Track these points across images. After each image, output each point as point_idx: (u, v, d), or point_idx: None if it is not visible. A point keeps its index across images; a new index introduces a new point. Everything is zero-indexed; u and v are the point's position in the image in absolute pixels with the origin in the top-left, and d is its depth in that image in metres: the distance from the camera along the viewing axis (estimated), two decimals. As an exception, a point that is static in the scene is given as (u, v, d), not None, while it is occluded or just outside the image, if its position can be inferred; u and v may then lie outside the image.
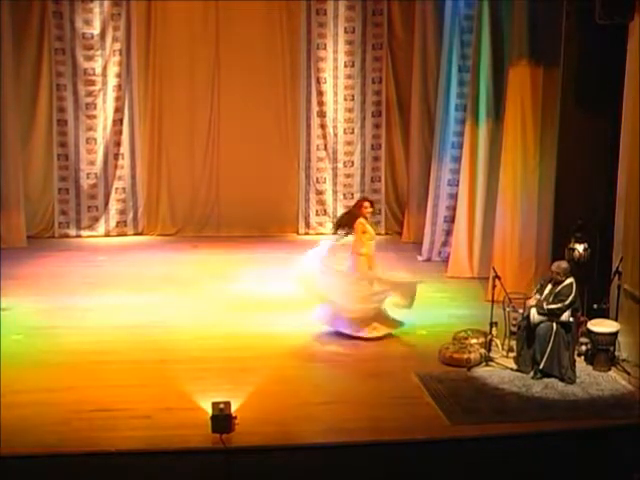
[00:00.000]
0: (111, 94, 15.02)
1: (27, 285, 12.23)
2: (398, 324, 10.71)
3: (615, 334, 9.69)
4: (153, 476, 7.69)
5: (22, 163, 14.60)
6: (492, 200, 12.28)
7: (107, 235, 15.20)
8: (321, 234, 15.59)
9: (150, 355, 9.97)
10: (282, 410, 8.67)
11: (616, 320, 9.89)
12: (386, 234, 15.66)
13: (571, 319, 9.47)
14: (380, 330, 10.56)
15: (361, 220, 10.64)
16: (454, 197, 13.50)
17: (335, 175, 15.62)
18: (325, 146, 15.55)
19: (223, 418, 7.97)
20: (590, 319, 9.90)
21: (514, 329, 9.98)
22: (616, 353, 9.72)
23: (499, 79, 12.25)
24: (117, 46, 14.90)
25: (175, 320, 10.99)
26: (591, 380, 9.45)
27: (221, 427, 7.96)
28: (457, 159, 13.50)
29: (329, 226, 15.65)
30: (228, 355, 9.96)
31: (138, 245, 14.85)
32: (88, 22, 14.78)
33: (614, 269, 10.21)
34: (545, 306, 9.42)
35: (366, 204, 10.79)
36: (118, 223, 15.30)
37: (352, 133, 15.56)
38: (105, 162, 15.15)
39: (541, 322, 9.43)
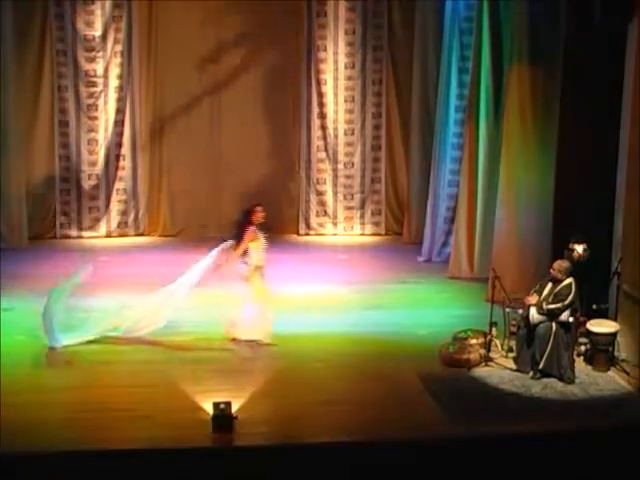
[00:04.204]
0: (112, 95, 15.07)
1: (28, 285, 12.23)
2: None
3: (614, 334, 9.71)
4: (154, 476, 7.71)
5: (24, 164, 14.65)
6: (492, 200, 12.29)
7: (108, 236, 15.24)
8: (321, 235, 15.68)
9: (151, 355, 10.01)
10: (282, 410, 8.70)
11: (615, 320, 9.91)
12: (386, 235, 15.74)
13: (570, 319, 9.48)
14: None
15: (252, 228, 10.08)
16: (454, 198, 13.55)
17: (335, 176, 15.65)
18: (325, 147, 15.59)
19: (224, 418, 8.02)
20: (589, 319, 9.92)
21: (514, 329, 10.01)
22: (615, 353, 9.74)
23: (499, 80, 12.26)
24: (118, 48, 14.96)
25: (176, 320, 11.00)
26: (590, 380, 9.47)
27: (222, 427, 8.00)
28: (457, 160, 13.55)
29: (329, 227, 15.77)
30: (229, 355, 9.99)
31: (139, 246, 14.89)
32: (89, 24, 14.85)
33: (613, 270, 10.24)
34: (544, 306, 9.43)
35: (259, 208, 10.15)
36: (119, 224, 15.34)
37: (352, 134, 15.60)
38: (106, 163, 15.20)
39: (540, 322, 9.44)
